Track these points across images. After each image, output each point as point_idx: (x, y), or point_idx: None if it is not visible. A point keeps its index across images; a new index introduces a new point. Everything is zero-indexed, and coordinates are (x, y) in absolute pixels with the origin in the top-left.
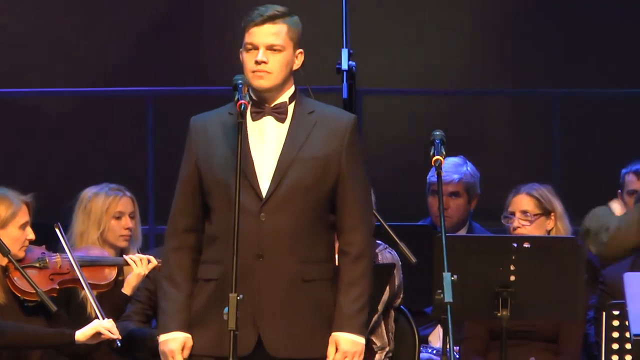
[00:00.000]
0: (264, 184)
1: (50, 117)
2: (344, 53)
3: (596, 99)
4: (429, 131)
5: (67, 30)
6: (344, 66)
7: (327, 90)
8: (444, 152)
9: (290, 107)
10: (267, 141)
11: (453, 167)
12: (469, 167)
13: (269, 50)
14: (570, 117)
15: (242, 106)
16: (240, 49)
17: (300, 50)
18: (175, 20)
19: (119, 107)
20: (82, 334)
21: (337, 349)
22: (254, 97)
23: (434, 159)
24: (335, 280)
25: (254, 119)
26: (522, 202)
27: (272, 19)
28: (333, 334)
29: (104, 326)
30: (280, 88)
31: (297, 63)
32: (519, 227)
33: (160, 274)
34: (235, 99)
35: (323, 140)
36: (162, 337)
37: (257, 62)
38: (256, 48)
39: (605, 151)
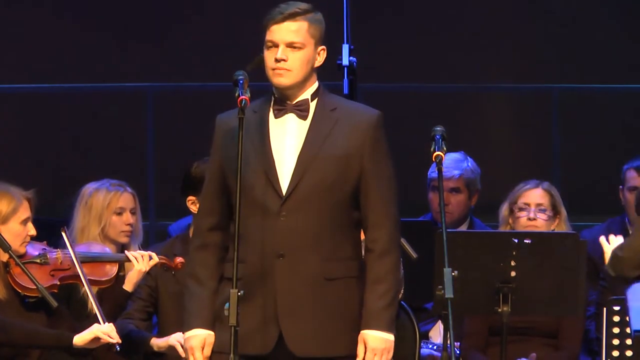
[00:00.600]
0: (284, 182)
1: (51, 113)
2: (345, 49)
3: (597, 94)
4: (430, 127)
5: (68, 26)
6: (345, 62)
7: (327, 86)
8: (445, 148)
9: (312, 104)
10: (288, 139)
11: (454, 163)
12: (469, 163)
13: (289, 47)
14: (571, 112)
15: (243, 102)
16: (264, 47)
17: (323, 47)
18: (176, 16)
19: (119, 103)
20: (80, 339)
21: (365, 347)
22: (275, 95)
23: (434, 154)
24: (362, 278)
25: (276, 117)
26: (538, 195)
27: (292, 16)
28: (361, 332)
29: (103, 331)
30: (301, 85)
31: (319, 60)
32: (535, 218)
33: (185, 273)
34: (236, 94)
35: (345, 138)
36: (185, 335)
37: (276, 60)
38: (276, 46)
39: (605, 147)
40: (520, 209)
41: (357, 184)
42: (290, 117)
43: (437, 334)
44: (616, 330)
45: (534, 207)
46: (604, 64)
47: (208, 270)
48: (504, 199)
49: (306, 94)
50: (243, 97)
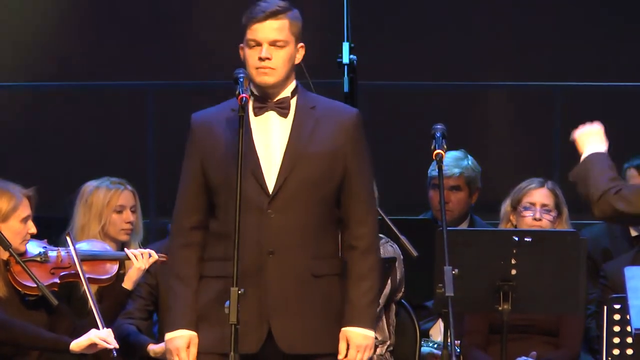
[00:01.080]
0: (271, 180)
1: (51, 111)
2: (345, 47)
3: (598, 93)
4: (430, 125)
5: (68, 24)
6: (345, 60)
7: (328, 84)
8: (445, 146)
9: (293, 102)
10: (271, 137)
11: (454, 161)
12: (470, 161)
13: (272, 46)
14: (572, 111)
15: (243, 99)
16: (241, 45)
17: (302, 44)
18: (176, 13)
19: (119, 101)
20: (77, 345)
21: (348, 344)
22: (255, 93)
23: (435, 152)
24: (343, 276)
25: (256, 114)
26: (544, 195)
27: (274, 14)
28: (343, 329)
29: (100, 336)
30: (283, 83)
31: (299, 57)
32: (540, 219)
33: (168, 273)
34: (237, 92)
35: (328, 136)
36: (169, 335)
37: (261, 59)
38: (259, 44)
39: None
40: (525, 208)
41: (340, 182)
42: (272, 115)
43: (437, 332)
44: (617, 328)
45: (539, 207)
46: (606, 62)
47: (192, 269)
48: (505, 197)
49: (286, 92)
50: (243, 94)
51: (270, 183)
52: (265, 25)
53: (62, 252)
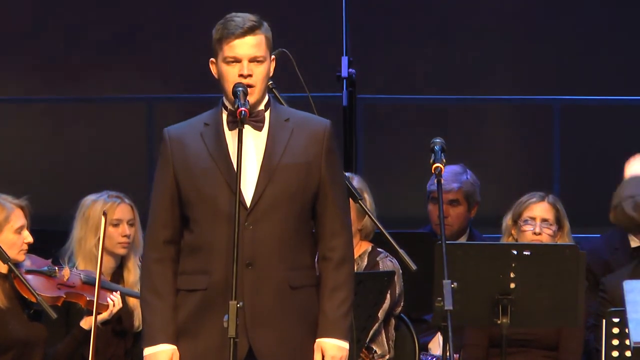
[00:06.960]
0: (248, 193)
1: (53, 125)
2: (344, 61)
3: (597, 107)
4: (429, 138)
5: (69, 38)
6: (344, 74)
7: (327, 97)
8: (444, 160)
9: (266, 115)
10: (247, 150)
11: (453, 176)
12: (468, 175)
13: (252, 62)
14: (571, 124)
15: (242, 113)
16: (212, 59)
17: (273, 56)
18: (177, 28)
19: (120, 114)
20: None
21: (323, 355)
22: (229, 107)
23: (434, 166)
24: (318, 287)
25: (230, 129)
26: (544, 209)
27: (252, 30)
28: (318, 340)
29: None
30: (261, 99)
31: (271, 70)
32: (540, 233)
33: (141, 287)
34: (235, 106)
35: (303, 147)
36: (149, 350)
37: (242, 76)
38: (239, 61)
39: (606, 158)
40: (526, 222)
41: (316, 192)
42: (246, 129)
43: (436, 345)
44: (615, 342)
45: (539, 222)
46: (605, 76)
47: (167, 284)
48: (506, 211)
49: (261, 106)
50: (242, 108)
51: (248, 196)
52: (244, 41)
53: (69, 271)
